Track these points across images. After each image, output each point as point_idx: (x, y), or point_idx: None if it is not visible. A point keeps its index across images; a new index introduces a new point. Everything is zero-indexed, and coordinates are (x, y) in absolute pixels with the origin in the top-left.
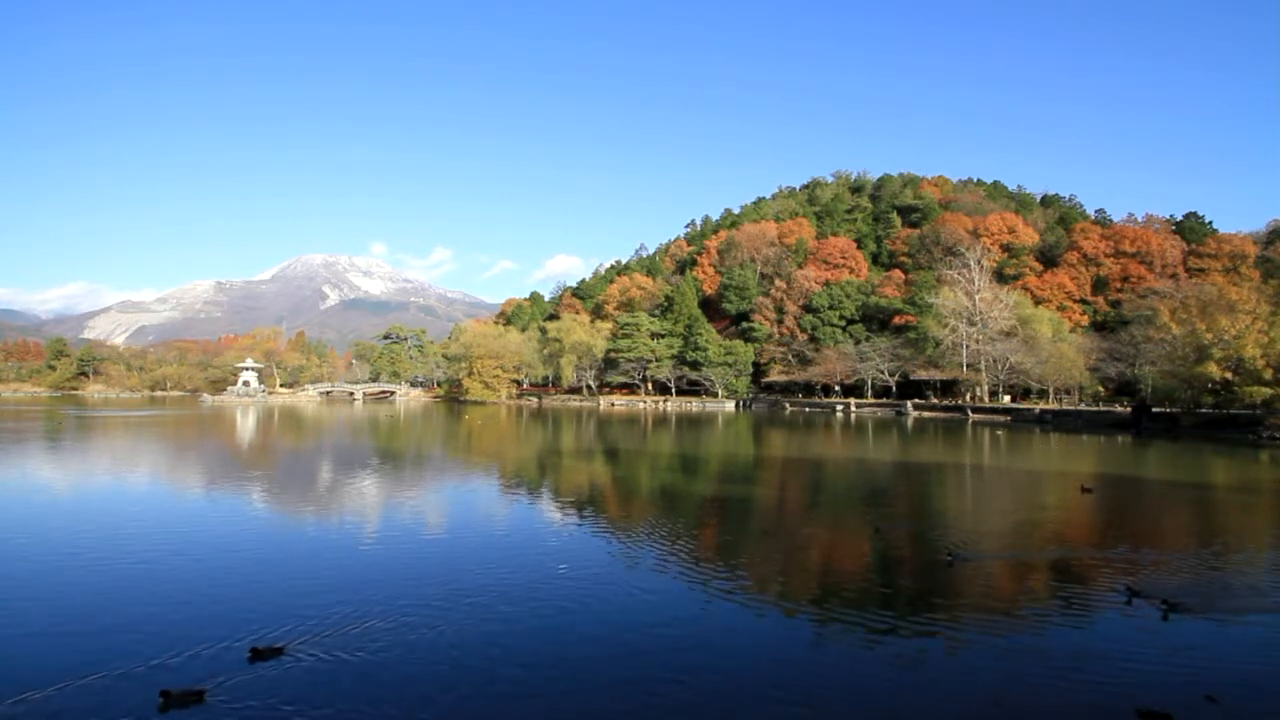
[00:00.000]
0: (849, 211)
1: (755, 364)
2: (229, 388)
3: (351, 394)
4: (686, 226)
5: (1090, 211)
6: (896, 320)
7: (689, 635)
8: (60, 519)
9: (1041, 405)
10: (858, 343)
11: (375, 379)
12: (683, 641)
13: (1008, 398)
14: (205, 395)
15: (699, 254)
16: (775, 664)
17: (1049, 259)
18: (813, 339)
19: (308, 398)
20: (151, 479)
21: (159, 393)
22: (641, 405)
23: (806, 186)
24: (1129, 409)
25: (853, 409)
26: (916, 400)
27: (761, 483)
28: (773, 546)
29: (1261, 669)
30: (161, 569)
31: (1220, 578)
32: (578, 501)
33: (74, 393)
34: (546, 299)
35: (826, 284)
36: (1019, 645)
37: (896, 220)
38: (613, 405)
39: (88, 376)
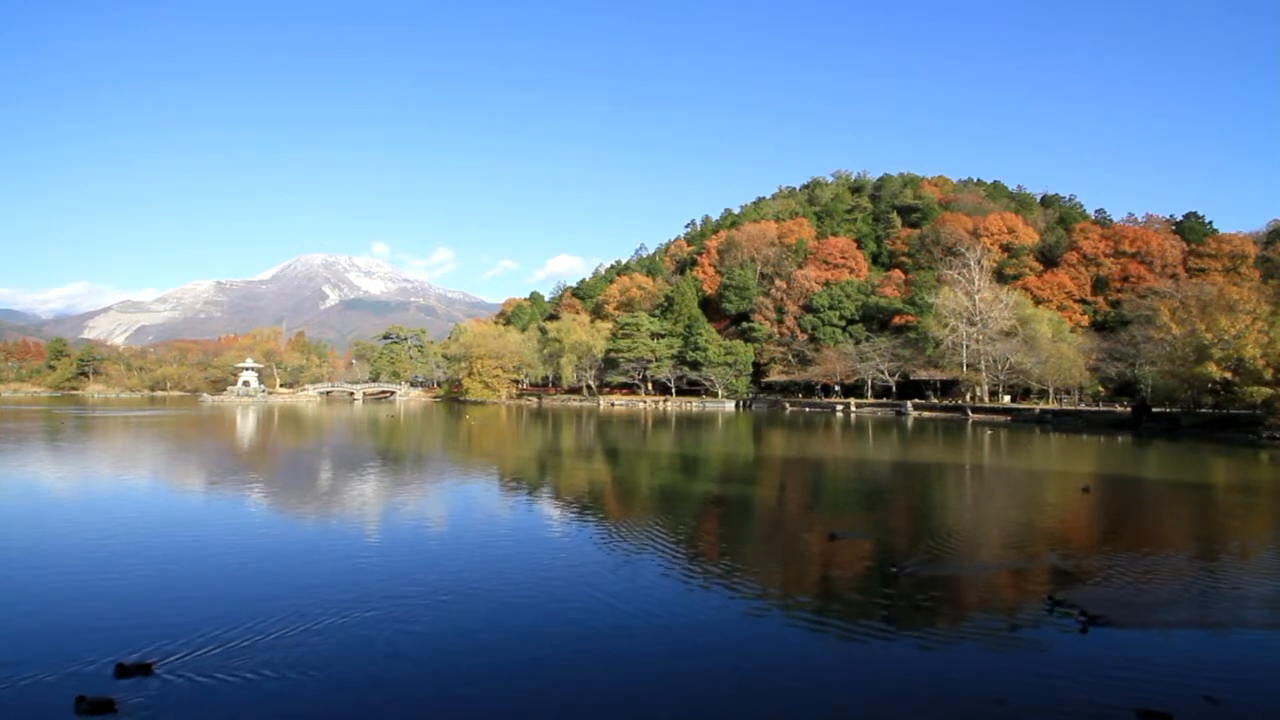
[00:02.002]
0: (849, 211)
1: (755, 364)
2: (229, 388)
3: (351, 394)
4: (686, 226)
5: (1090, 211)
6: (896, 320)
7: (672, 640)
8: (21, 520)
9: (1042, 405)
10: (858, 343)
11: (375, 379)
12: (666, 648)
13: (1008, 398)
14: (205, 395)
15: (699, 254)
16: (772, 667)
17: (1049, 259)
18: (813, 339)
19: (308, 398)
20: (137, 480)
21: (159, 393)
22: (641, 405)
23: (806, 186)
24: (1129, 409)
25: (853, 409)
26: (916, 400)
27: (759, 484)
28: (768, 550)
29: (1262, 671)
30: (102, 574)
31: (1167, 588)
32: (565, 502)
33: (74, 393)
34: (546, 299)
35: (826, 284)
36: (1018, 648)
37: (896, 220)
38: (613, 405)
39: (88, 376)
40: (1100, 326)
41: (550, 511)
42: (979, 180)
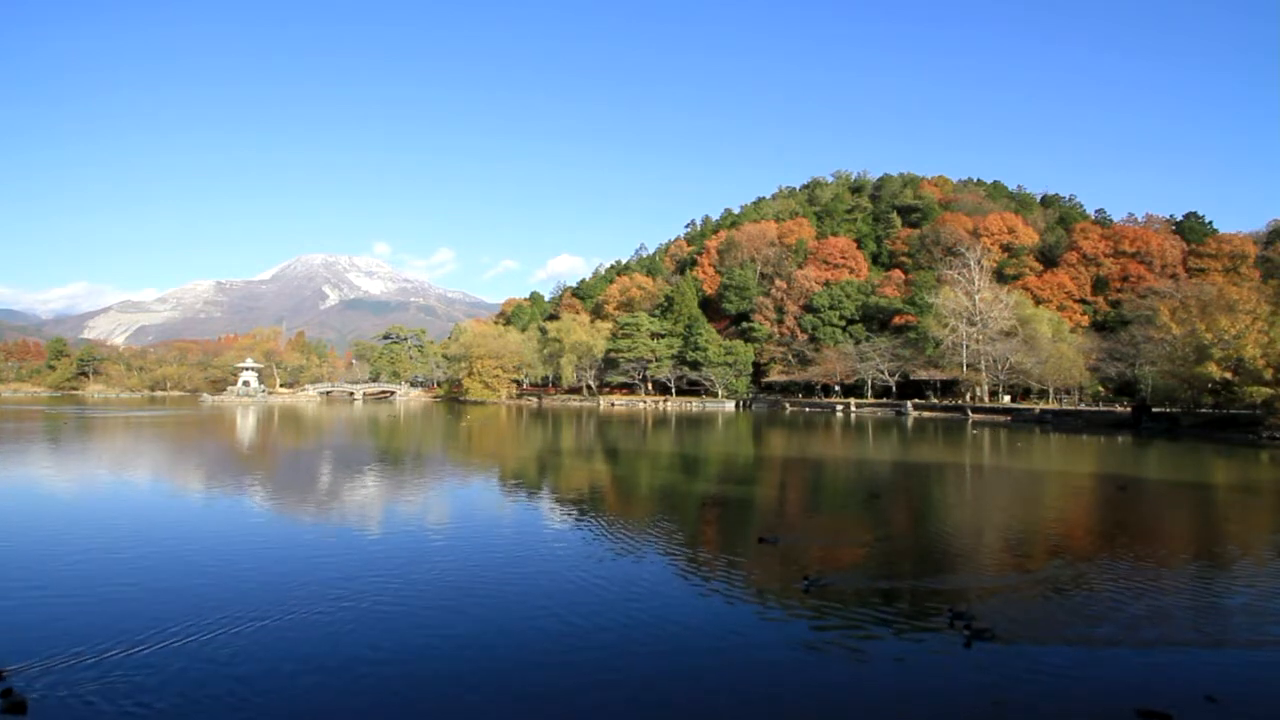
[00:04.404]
0: (849, 211)
1: (755, 364)
2: (229, 388)
3: (351, 394)
4: (686, 226)
5: (1090, 211)
6: (896, 320)
7: (653, 642)
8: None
9: (1042, 405)
10: (858, 343)
11: (375, 379)
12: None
13: (1008, 398)
14: (205, 395)
15: (699, 254)
16: (770, 666)
17: (1049, 259)
18: (813, 339)
19: (308, 398)
20: (134, 479)
21: (159, 393)
22: (641, 405)
23: (806, 186)
24: (1129, 409)
25: (853, 409)
26: (916, 400)
27: (755, 484)
28: (699, 553)
29: (1262, 671)
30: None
31: (1080, 601)
32: (558, 504)
33: (74, 393)
34: (547, 299)
35: (826, 284)
36: (1018, 648)
37: (896, 220)
38: (613, 405)
39: (88, 376)
40: (1100, 326)
41: (541, 512)
42: (979, 180)
